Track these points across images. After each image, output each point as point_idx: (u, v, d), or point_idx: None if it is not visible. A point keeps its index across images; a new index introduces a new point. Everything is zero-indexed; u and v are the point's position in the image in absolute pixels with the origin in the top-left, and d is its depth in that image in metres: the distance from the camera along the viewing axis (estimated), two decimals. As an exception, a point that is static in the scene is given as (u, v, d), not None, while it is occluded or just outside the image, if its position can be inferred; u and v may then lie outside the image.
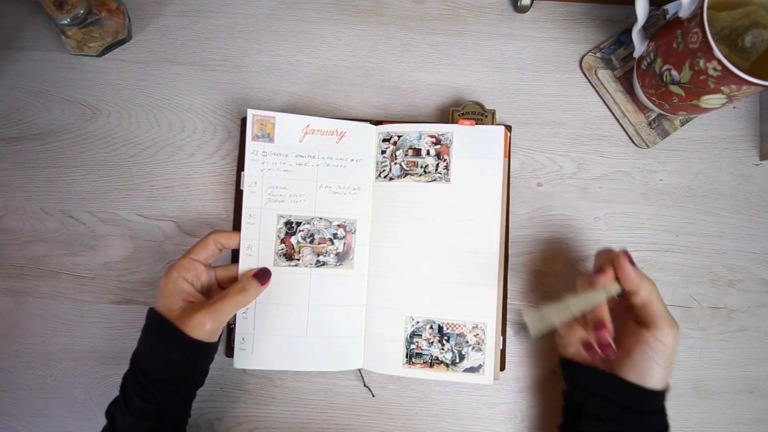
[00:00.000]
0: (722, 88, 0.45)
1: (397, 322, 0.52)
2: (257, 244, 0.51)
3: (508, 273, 0.54)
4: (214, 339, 0.45)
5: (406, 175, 0.53)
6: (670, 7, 0.52)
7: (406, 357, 0.52)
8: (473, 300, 0.51)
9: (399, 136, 0.54)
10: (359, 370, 0.54)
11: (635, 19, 0.51)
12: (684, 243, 0.56)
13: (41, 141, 0.57)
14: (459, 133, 0.53)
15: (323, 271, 0.52)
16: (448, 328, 0.51)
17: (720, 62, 0.43)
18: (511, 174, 0.56)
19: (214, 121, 0.58)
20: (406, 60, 0.59)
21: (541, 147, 0.58)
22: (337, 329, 0.52)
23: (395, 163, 0.53)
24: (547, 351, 0.55)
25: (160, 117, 0.58)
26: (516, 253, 0.56)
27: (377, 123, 0.55)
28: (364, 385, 0.54)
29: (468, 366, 0.51)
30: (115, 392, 0.46)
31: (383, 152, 0.54)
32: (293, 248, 0.52)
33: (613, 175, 0.57)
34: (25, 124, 0.57)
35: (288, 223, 0.52)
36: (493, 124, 0.55)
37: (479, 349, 0.51)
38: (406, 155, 0.53)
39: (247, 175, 0.51)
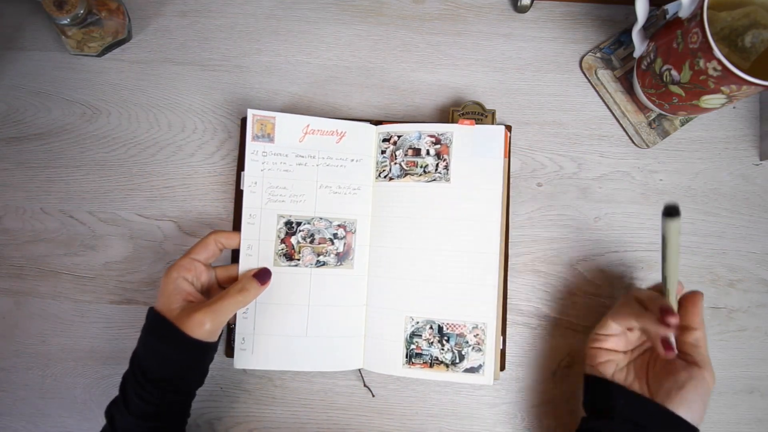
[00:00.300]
0: (722, 88, 0.45)
1: (396, 322, 0.52)
2: (257, 244, 0.51)
3: (508, 273, 0.54)
4: (214, 339, 0.45)
5: (406, 175, 0.53)
6: (670, 7, 0.52)
7: (406, 357, 0.52)
8: (473, 300, 0.51)
9: (399, 136, 0.54)
10: (359, 370, 0.54)
11: (635, 19, 0.51)
12: (684, 243, 0.56)
13: (41, 141, 0.57)
14: (459, 133, 0.53)
15: (323, 271, 0.52)
16: (448, 329, 0.51)
17: (720, 62, 0.43)
18: (511, 174, 0.56)
19: (214, 121, 0.58)
20: (406, 60, 0.59)
21: (541, 147, 0.58)
22: (337, 329, 0.52)
23: (395, 163, 0.53)
24: (547, 351, 0.55)
25: (160, 117, 0.58)
26: (516, 253, 0.56)
27: (377, 123, 0.55)
28: (364, 385, 0.54)
29: (468, 366, 0.51)
30: (115, 392, 0.46)
31: (383, 152, 0.54)
32: (293, 248, 0.52)
33: (613, 175, 0.57)
34: (25, 124, 0.57)
35: (288, 223, 0.52)
36: (493, 124, 0.55)
37: (479, 350, 0.51)
38: (405, 155, 0.53)
39: (247, 175, 0.51)
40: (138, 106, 0.58)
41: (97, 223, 0.56)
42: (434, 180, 0.53)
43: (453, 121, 0.55)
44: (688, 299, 0.45)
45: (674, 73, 0.48)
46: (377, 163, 0.54)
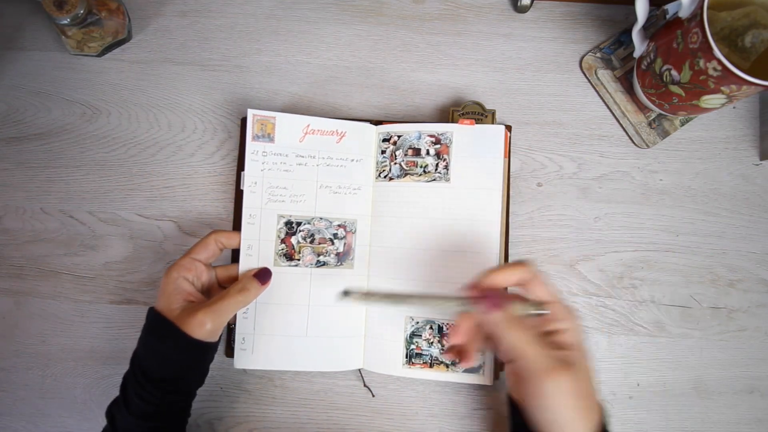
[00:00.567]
0: (722, 88, 0.45)
1: (396, 323, 0.52)
2: (257, 244, 0.51)
3: (508, 273, 0.54)
4: (214, 339, 0.45)
5: (406, 174, 0.53)
6: (670, 7, 0.52)
7: (406, 357, 0.52)
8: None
9: (399, 136, 0.54)
10: (359, 370, 0.54)
11: (635, 19, 0.51)
12: (684, 243, 0.56)
13: (41, 141, 0.57)
14: (459, 133, 0.53)
15: (323, 271, 0.52)
16: (448, 329, 0.51)
17: (720, 62, 0.43)
18: (511, 174, 0.56)
19: (214, 121, 0.58)
20: (406, 60, 0.59)
21: (541, 147, 0.58)
22: (337, 329, 0.52)
23: (395, 163, 0.53)
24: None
25: (160, 117, 0.58)
26: (516, 253, 0.56)
27: (377, 123, 0.55)
28: (364, 385, 0.54)
29: (468, 366, 0.51)
30: (115, 392, 0.45)
31: (383, 152, 0.54)
32: (293, 248, 0.52)
33: (613, 175, 0.57)
34: (25, 124, 0.57)
35: (288, 223, 0.52)
36: (493, 124, 0.55)
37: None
38: (405, 155, 0.53)
39: (247, 175, 0.51)
40: (138, 106, 0.58)
41: (97, 223, 0.56)
42: (434, 180, 0.53)
43: (453, 121, 0.55)
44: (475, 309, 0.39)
45: (674, 73, 0.48)
46: (377, 163, 0.54)
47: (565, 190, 0.57)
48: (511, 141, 0.57)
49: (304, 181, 0.52)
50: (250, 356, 0.51)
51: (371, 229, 0.54)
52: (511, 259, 0.55)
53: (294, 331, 0.51)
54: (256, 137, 0.51)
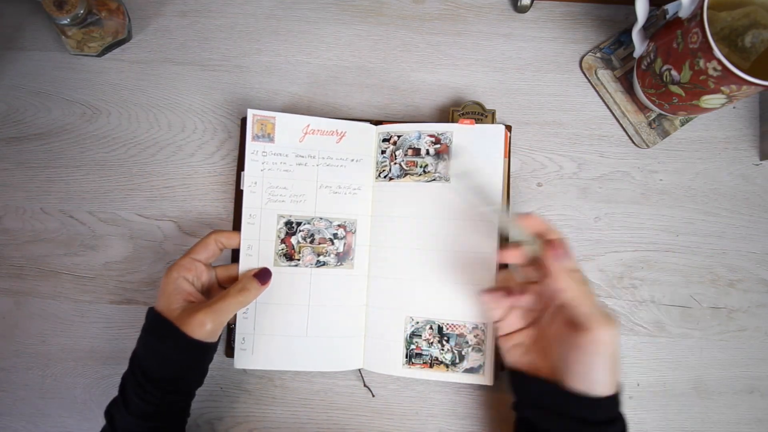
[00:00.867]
0: (722, 88, 0.45)
1: (396, 323, 0.52)
2: (257, 244, 0.51)
3: (508, 273, 0.54)
4: (214, 339, 0.45)
5: (406, 174, 0.53)
6: (670, 7, 0.52)
7: (406, 357, 0.52)
8: (473, 300, 0.51)
9: (399, 136, 0.54)
10: (359, 370, 0.54)
11: (635, 19, 0.51)
12: (684, 243, 0.56)
13: (41, 141, 0.57)
14: (459, 133, 0.53)
15: (323, 271, 0.52)
16: (448, 329, 0.51)
17: (720, 62, 0.43)
18: (511, 174, 0.56)
19: (214, 121, 0.58)
20: (406, 60, 0.59)
21: (541, 147, 0.58)
22: (337, 329, 0.52)
23: (395, 163, 0.53)
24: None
25: (160, 117, 0.58)
26: (516, 253, 0.56)
27: (377, 123, 0.55)
28: (364, 385, 0.54)
29: (468, 366, 0.51)
30: (115, 392, 0.45)
31: (383, 152, 0.54)
32: (293, 248, 0.52)
33: (613, 175, 0.57)
34: (25, 124, 0.57)
35: (288, 223, 0.52)
36: (493, 124, 0.54)
37: (479, 350, 0.51)
38: (405, 155, 0.53)
39: (247, 175, 0.51)
40: (138, 106, 0.58)
41: (97, 223, 0.56)
42: (434, 180, 0.53)
43: (453, 121, 0.55)
44: (543, 252, 0.41)
45: (674, 73, 0.48)
46: (377, 163, 0.54)
47: (565, 190, 0.57)
48: (511, 141, 0.57)
49: (304, 181, 0.52)
50: (250, 356, 0.51)
51: (371, 229, 0.54)
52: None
53: (294, 331, 0.51)
54: (256, 137, 0.51)
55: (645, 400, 0.54)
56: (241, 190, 0.51)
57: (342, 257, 0.53)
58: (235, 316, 0.51)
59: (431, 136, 0.53)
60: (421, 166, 0.53)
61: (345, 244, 0.53)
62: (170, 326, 0.44)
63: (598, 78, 0.58)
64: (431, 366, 0.51)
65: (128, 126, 0.57)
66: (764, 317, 0.56)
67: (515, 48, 0.59)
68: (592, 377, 0.39)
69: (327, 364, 0.52)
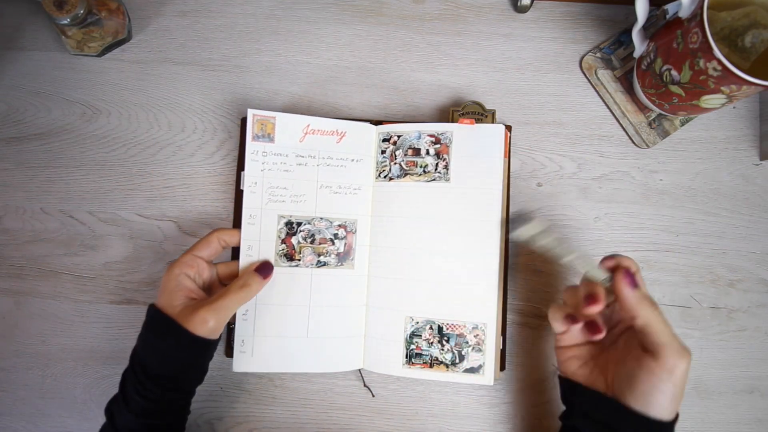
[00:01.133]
0: (722, 88, 0.45)
1: (396, 323, 0.52)
2: (258, 245, 0.51)
3: (508, 273, 0.54)
4: (216, 336, 0.45)
5: (406, 174, 0.53)
6: (670, 7, 0.52)
7: (406, 357, 0.52)
8: (473, 300, 0.51)
9: (399, 136, 0.54)
10: (359, 370, 0.54)
11: (635, 19, 0.51)
12: (684, 243, 0.56)
13: (41, 141, 0.57)
14: (459, 132, 0.53)
15: (324, 272, 0.52)
16: (447, 329, 0.51)
17: (720, 62, 0.43)
18: (511, 174, 0.56)
19: (214, 121, 0.58)
20: (406, 60, 0.59)
21: (541, 147, 0.58)
22: (338, 330, 0.52)
23: (395, 163, 0.53)
24: (548, 351, 0.55)
25: (160, 117, 0.58)
26: (516, 253, 0.56)
27: (377, 123, 0.55)
28: (364, 385, 0.54)
29: (468, 366, 0.51)
30: (115, 392, 0.45)
31: (383, 152, 0.54)
32: (294, 248, 0.52)
33: (613, 175, 0.57)
34: (25, 124, 0.57)
35: (288, 224, 0.52)
36: (493, 123, 0.54)
37: (479, 350, 0.51)
38: (405, 155, 0.53)
39: (247, 175, 0.51)
40: (138, 106, 0.58)
41: (97, 223, 0.56)
42: (434, 180, 0.53)
43: (453, 121, 0.55)
44: (615, 281, 0.41)
45: (674, 73, 0.48)
46: (377, 163, 0.54)
47: (565, 190, 0.57)
48: (511, 141, 0.57)
49: (305, 181, 0.52)
50: (249, 359, 0.51)
51: (371, 229, 0.54)
52: (511, 260, 0.55)
53: (294, 333, 0.51)
54: (256, 137, 0.51)
55: (645, 400, 0.54)
56: (241, 190, 0.51)
57: (342, 257, 0.53)
58: (235, 316, 0.51)
59: (431, 136, 0.53)
60: (421, 166, 0.53)
61: (345, 244, 0.53)
62: (172, 323, 0.44)
63: (598, 78, 0.58)
64: (431, 366, 0.51)
65: (128, 126, 0.57)
66: (764, 317, 0.56)
67: (515, 48, 0.59)
68: (655, 400, 0.39)
69: (327, 365, 0.52)
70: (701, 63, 0.44)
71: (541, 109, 0.58)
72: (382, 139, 0.54)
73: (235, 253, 0.52)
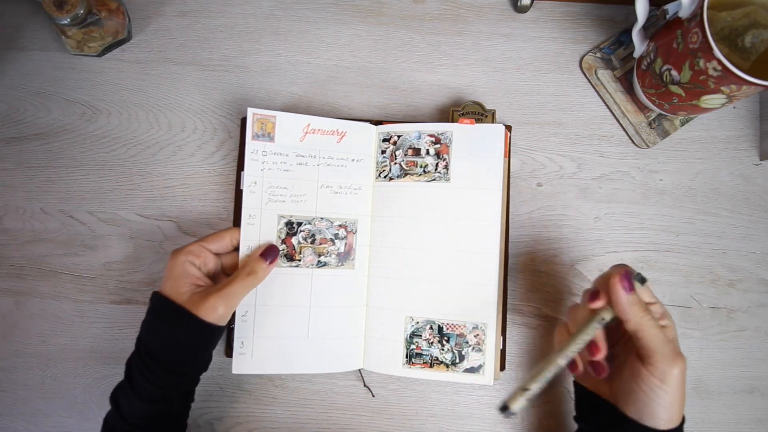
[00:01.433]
0: (722, 88, 0.45)
1: (397, 323, 0.52)
2: (257, 245, 0.51)
3: (508, 273, 0.54)
4: (224, 322, 0.45)
5: (406, 174, 0.53)
6: (670, 7, 0.52)
7: (406, 357, 0.52)
8: (473, 300, 0.51)
9: (399, 136, 0.54)
10: (359, 370, 0.54)
11: (635, 19, 0.51)
12: (684, 243, 0.56)
13: (41, 141, 0.57)
14: (459, 132, 0.53)
15: (324, 272, 0.52)
16: (448, 329, 0.51)
17: (720, 62, 0.43)
18: (511, 174, 0.56)
19: (214, 121, 0.58)
20: (406, 60, 0.59)
21: (541, 147, 0.58)
22: (338, 330, 0.52)
23: (395, 163, 0.53)
24: (547, 351, 0.55)
25: (160, 117, 0.58)
26: (516, 253, 0.56)
27: (377, 123, 0.55)
28: (364, 385, 0.54)
29: (468, 366, 0.51)
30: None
31: (383, 152, 0.54)
32: (294, 249, 0.52)
33: (613, 175, 0.57)
34: (25, 124, 0.57)
35: (289, 224, 0.52)
36: (493, 123, 0.54)
37: (479, 350, 0.51)
38: (405, 155, 0.53)
39: (247, 174, 0.51)
40: (138, 106, 0.58)
41: (97, 223, 0.56)
42: (434, 180, 0.52)
43: (453, 121, 0.55)
44: (611, 283, 0.40)
45: (674, 73, 0.48)
46: (377, 163, 0.54)
47: (565, 190, 0.57)
48: (511, 141, 0.57)
49: (305, 180, 0.52)
50: (249, 361, 0.50)
51: (371, 229, 0.54)
52: (511, 260, 0.55)
53: (294, 333, 0.51)
54: (256, 136, 0.51)
55: (645, 400, 0.54)
56: (241, 190, 0.51)
57: (343, 257, 0.53)
58: (234, 316, 0.51)
59: (431, 136, 0.53)
60: (421, 166, 0.53)
61: (346, 244, 0.53)
62: (182, 310, 0.43)
63: (598, 78, 0.58)
64: (431, 366, 0.51)
65: (128, 126, 0.57)
66: (764, 317, 0.56)
67: (515, 48, 0.59)
68: (649, 410, 0.39)
69: (327, 366, 0.52)
70: (701, 63, 0.44)
71: (541, 109, 0.58)
72: (382, 139, 0.54)
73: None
